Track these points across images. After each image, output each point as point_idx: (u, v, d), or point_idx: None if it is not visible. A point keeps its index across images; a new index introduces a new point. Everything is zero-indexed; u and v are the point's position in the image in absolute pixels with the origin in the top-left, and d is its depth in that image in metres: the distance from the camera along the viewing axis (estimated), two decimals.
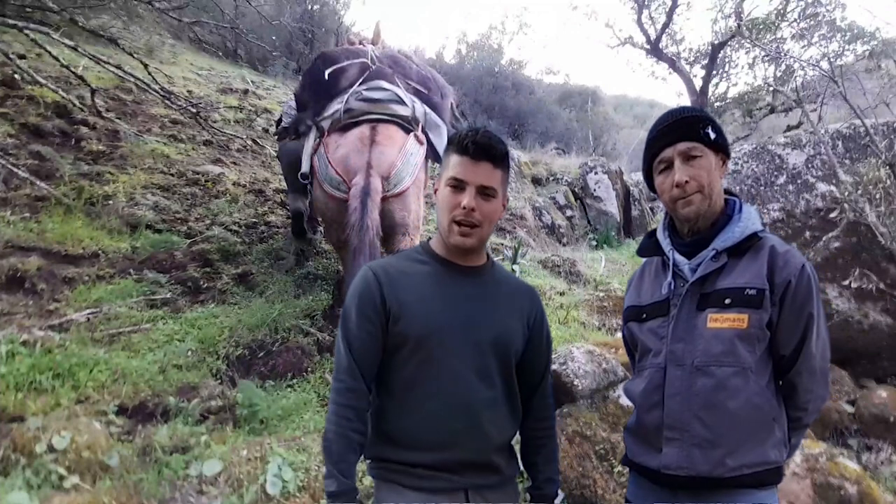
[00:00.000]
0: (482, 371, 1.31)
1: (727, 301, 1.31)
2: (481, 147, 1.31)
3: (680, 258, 1.41)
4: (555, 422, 1.50)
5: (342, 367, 1.30)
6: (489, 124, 12.37)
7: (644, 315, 1.46)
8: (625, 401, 2.69)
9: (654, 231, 1.53)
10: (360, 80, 3.35)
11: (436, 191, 1.42)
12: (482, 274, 1.40)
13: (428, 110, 3.42)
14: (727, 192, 1.47)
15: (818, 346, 1.32)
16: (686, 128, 1.37)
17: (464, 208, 1.29)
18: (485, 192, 1.32)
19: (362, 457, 1.34)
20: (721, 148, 1.39)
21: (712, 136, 1.37)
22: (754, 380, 1.30)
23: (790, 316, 1.30)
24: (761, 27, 10.10)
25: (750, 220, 1.38)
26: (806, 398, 1.35)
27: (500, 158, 1.34)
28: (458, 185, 1.31)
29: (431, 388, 1.28)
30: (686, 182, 1.35)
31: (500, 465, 1.35)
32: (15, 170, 3.80)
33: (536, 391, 1.46)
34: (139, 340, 2.91)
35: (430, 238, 1.47)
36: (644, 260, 1.59)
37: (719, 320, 1.31)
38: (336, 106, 3.27)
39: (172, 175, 4.79)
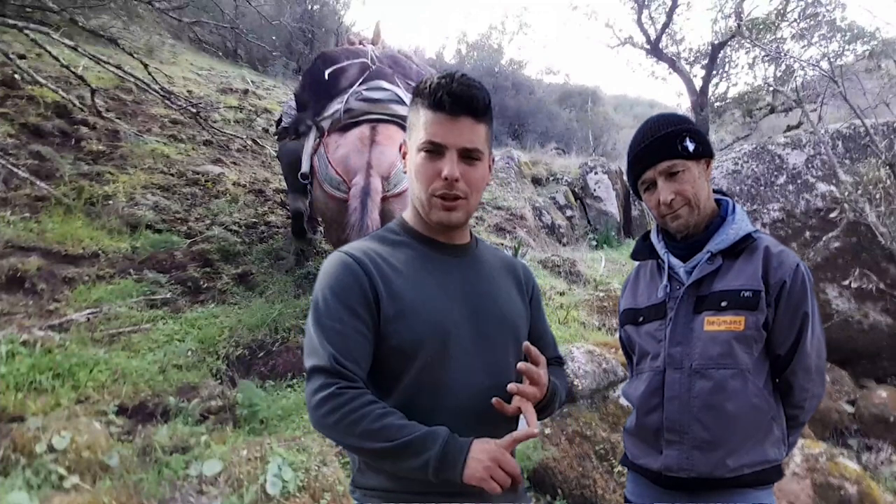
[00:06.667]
0: (496, 369, 1.11)
1: (723, 304, 1.32)
2: (460, 99, 1.05)
3: (675, 261, 1.42)
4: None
5: (326, 370, 1.00)
6: None
7: (641, 318, 1.47)
8: (625, 401, 2.69)
9: (648, 234, 1.53)
10: (360, 80, 3.36)
11: (404, 154, 1.18)
12: (471, 252, 1.19)
13: None
14: (718, 192, 1.48)
15: (813, 344, 1.32)
16: (663, 146, 1.36)
17: (445, 179, 1.06)
18: (468, 156, 1.08)
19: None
20: (703, 154, 1.38)
21: (691, 148, 1.35)
22: (752, 381, 1.31)
23: (785, 316, 1.31)
24: (761, 27, 10.09)
25: (743, 221, 1.39)
26: (802, 396, 1.36)
27: (483, 110, 1.09)
28: (434, 150, 1.07)
29: (437, 399, 1.05)
30: (672, 199, 1.35)
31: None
32: (15, 170, 3.80)
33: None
34: (139, 340, 2.91)
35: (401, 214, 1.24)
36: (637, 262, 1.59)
37: (716, 323, 1.32)
38: (336, 106, 3.27)
39: (172, 175, 4.78)
